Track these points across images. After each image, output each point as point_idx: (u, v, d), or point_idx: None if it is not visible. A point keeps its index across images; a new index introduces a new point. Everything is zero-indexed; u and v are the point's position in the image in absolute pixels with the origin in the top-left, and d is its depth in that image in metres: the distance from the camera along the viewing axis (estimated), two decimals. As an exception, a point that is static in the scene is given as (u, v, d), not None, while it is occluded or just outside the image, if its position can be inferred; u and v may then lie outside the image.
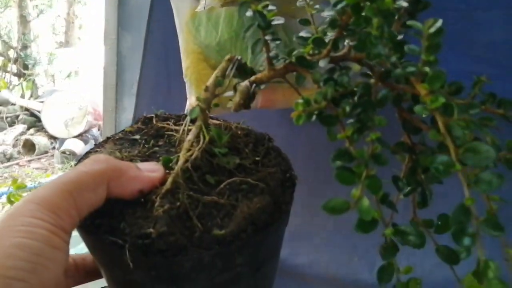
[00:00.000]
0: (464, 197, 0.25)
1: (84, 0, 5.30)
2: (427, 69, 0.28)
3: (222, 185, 0.34)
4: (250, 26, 0.35)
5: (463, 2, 0.94)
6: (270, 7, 0.36)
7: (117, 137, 0.42)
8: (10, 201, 0.81)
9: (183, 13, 1.14)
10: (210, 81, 0.36)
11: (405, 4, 0.32)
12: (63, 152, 3.32)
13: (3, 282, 0.25)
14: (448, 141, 0.25)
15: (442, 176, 0.25)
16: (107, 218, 0.32)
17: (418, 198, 0.34)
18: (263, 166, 0.37)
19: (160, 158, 0.37)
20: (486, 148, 0.24)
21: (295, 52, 0.34)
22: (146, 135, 0.41)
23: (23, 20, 4.54)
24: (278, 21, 0.36)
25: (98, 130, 3.64)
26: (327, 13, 0.33)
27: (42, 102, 3.85)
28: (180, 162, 0.34)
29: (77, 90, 3.91)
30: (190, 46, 0.92)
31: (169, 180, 0.33)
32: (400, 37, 0.32)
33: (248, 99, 0.35)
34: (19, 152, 3.53)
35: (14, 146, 3.60)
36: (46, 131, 3.71)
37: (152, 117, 0.44)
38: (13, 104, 3.95)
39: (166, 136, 0.41)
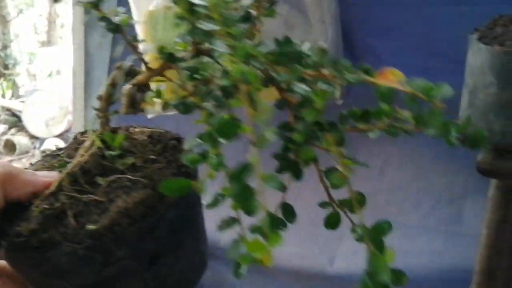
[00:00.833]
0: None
1: (65, -1, 5.27)
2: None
3: (105, 185, 0.37)
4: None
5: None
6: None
7: (49, 153, 0.45)
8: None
9: (141, 11, 1.15)
10: (103, 90, 0.38)
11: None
12: (43, 152, 3.31)
13: None
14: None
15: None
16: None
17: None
18: (154, 163, 0.39)
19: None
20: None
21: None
22: (69, 149, 0.44)
23: (3, 20, 4.51)
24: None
25: (79, 129, 3.63)
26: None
27: (23, 102, 3.83)
28: (70, 167, 0.37)
29: (58, 89, 3.90)
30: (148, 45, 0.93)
31: (54, 183, 0.36)
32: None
33: (134, 101, 0.37)
34: (0, 153, 3.52)
35: (-5, 146, 3.59)
36: (27, 131, 3.70)
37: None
38: (-6, 105, 3.93)
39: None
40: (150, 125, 0.46)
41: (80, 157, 0.38)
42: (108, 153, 0.38)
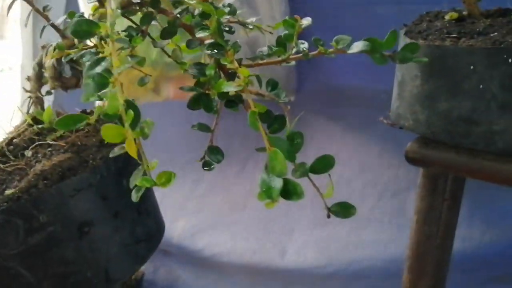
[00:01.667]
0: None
1: (19, -7, 5.10)
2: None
3: (30, 154, 0.37)
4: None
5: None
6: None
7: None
8: None
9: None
10: (31, 72, 0.39)
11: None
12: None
13: None
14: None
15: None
16: None
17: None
18: (78, 131, 0.40)
19: None
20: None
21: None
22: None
23: (-48, 13, 4.32)
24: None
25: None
26: None
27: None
28: (-3, 143, 0.38)
29: (10, 86, 3.77)
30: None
31: None
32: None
33: (60, 75, 0.38)
34: None
35: None
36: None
37: None
38: None
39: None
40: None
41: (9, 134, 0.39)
42: (36, 126, 0.39)
